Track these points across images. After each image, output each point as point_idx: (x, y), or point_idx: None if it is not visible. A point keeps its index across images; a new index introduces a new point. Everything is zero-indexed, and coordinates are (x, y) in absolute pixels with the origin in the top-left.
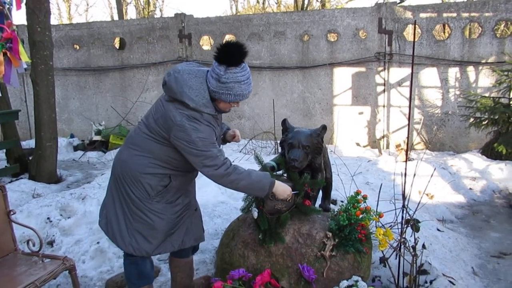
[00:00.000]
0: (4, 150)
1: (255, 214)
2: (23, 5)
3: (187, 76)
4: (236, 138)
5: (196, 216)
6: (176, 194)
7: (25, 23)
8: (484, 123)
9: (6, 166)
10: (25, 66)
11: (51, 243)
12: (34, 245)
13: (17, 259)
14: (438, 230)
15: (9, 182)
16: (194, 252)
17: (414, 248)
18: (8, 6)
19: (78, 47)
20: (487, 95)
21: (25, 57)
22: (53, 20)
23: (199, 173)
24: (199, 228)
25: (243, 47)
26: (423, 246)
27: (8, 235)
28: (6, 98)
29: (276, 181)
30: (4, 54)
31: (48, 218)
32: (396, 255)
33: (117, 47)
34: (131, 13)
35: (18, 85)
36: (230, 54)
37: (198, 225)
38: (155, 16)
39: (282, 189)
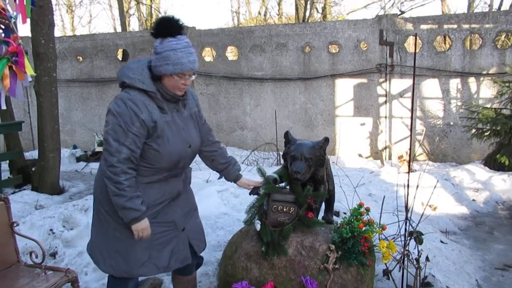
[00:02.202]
0: (7, 161)
1: (258, 226)
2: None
3: (131, 62)
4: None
5: (183, 236)
6: (151, 211)
7: (29, 35)
8: (486, 134)
9: (9, 177)
10: (30, 79)
11: (53, 255)
12: (36, 257)
13: (19, 271)
14: (442, 242)
15: (12, 193)
16: (197, 268)
17: (417, 260)
18: (13, 20)
19: (81, 59)
20: (488, 106)
21: (30, 71)
22: (57, 32)
23: (200, 186)
24: (186, 249)
25: (175, 19)
26: (427, 259)
27: (11, 247)
28: (9, 110)
29: (136, 224)
30: (10, 68)
31: (50, 230)
32: (400, 267)
33: (120, 59)
34: (133, 24)
35: (23, 98)
36: (162, 26)
37: (186, 245)
38: None
39: (141, 229)
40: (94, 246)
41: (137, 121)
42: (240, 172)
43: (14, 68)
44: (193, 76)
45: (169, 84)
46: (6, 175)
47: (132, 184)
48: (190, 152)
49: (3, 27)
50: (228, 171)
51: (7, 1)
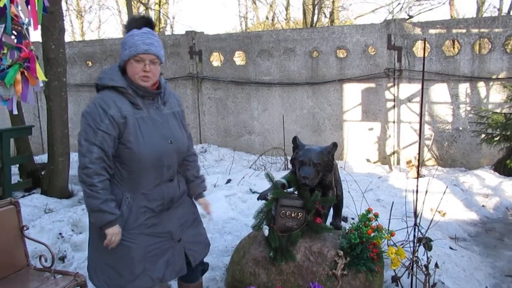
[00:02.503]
0: (17, 165)
1: (266, 231)
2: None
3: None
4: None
5: (179, 247)
6: (143, 217)
7: (40, 40)
8: (496, 139)
9: (18, 181)
10: (41, 84)
11: (62, 259)
12: (46, 260)
13: (29, 275)
14: (451, 248)
15: (22, 197)
16: (203, 274)
17: (426, 267)
18: (26, 26)
19: (90, 64)
20: (498, 111)
21: (42, 76)
22: (67, 37)
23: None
24: (182, 260)
25: (145, 16)
26: (436, 265)
27: (21, 251)
28: (20, 114)
29: (110, 228)
30: (22, 73)
31: (60, 234)
32: (409, 274)
33: None
34: None
35: (33, 103)
36: (132, 22)
37: (181, 256)
38: (166, 33)
39: (115, 233)
40: (89, 261)
41: (106, 118)
42: (206, 191)
43: (25, 73)
44: (159, 67)
45: (130, 72)
46: (16, 179)
47: (106, 187)
48: (172, 150)
49: (15, 33)
50: (195, 184)
51: (19, 8)
